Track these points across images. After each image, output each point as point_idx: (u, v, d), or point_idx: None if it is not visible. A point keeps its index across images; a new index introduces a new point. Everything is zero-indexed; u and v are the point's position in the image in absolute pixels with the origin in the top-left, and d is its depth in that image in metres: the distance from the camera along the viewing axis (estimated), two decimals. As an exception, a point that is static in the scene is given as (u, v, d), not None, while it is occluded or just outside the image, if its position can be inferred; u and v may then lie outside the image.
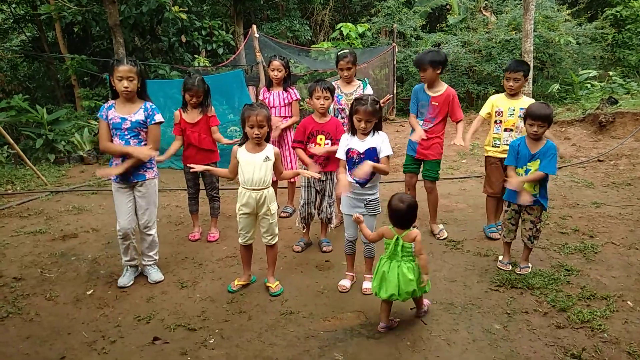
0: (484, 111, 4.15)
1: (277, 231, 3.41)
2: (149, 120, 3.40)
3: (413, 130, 4.14)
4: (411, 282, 2.73)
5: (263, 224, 3.33)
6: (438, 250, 4.02)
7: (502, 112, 4.01)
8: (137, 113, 3.36)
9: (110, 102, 3.39)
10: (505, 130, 4.01)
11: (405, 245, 2.75)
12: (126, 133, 3.34)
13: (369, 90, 4.40)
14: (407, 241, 2.75)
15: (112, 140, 3.36)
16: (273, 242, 3.40)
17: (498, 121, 4.05)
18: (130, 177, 3.41)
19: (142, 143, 3.41)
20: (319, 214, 4.12)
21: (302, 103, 9.68)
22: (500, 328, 2.88)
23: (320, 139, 3.91)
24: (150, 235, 3.60)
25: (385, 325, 2.87)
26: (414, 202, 2.78)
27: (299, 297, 3.32)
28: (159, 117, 3.44)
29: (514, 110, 3.95)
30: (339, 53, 4.39)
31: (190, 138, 4.17)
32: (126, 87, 3.26)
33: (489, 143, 4.14)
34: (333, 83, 4.40)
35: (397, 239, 2.75)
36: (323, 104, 3.87)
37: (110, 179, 3.52)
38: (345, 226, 3.46)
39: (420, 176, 4.35)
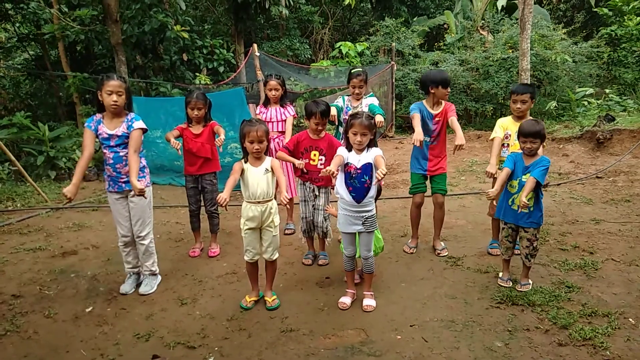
0: (499, 134, 4.03)
1: (278, 245, 3.43)
2: (129, 129, 3.48)
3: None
4: (380, 240, 3.67)
5: (266, 237, 3.35)
6: (438, 267, 4.01)
7: (509, 135, 4.01)
8: (121, 127, 3.48)
9: (99, 116, 3.51)
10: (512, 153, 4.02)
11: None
12: (114, 146, 3.49)
13: (373, 99, 4.45)
14: None
15: (93, 151, 3.49)
16: (274, 257, 3.43)
17: (506, 144, 4.05)
18: (123, 185, 3.53)
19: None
20: (315, 230, 4.15)
21: (301, 120, 9.73)
22: (502, 346, 2.86)
23: (315, 155, 3.97)
24: (143, 244, 3.66)
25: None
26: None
27: (299, 315, 3.30)
28: (138, 124, 3.49)
29: None
30: (352, 70, 4.45)
31: (192, 147, 4.21)
32: (115, 102, 3.38)
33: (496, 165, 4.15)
34: (346, 97, 4.51)
35: None
36: (320, 129, 3.95)
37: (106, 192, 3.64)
38: (343, 244, 3.46)
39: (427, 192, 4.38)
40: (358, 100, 4.48)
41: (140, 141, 3.54)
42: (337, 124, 4.55)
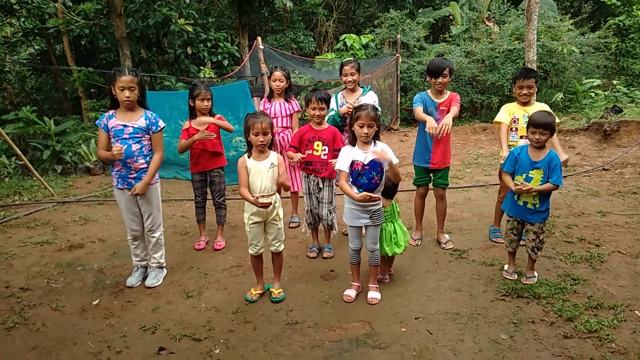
0: (505, 119, 4.05)
1: (283, 237, 3.44)
2: (153, 128, 3.51)
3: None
4: (406, 233, 3.60)
5: (271, 230, 3.36)
6: (443, 260, 4.01)
7: (517, 119, 4.02)
8: (138, 120, 3.47)
9: (111, 111, 3.49)
10: (521, 137, 4.00)
11: (396, 208, 3.56)
12: (128, 138, 3.44)
13: (371, 94, 4.36)
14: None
15: (110, 149, 3.45)
16: (280, 249, 3.44)
17: (514, 128, 4.06)
18: (132, 181, 3.50)
19: (144, 147, 3.50)
20: (320, 222, 4.15)
21: (305, 114, 9.72)
22: (507, 338, 2.86)
23: (317, 145, 3.96)
24: (154, 237, 3.70)
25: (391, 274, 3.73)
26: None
27: (304, 307, 3.32)
28: (161, 124, 3.57)
29: (528, 117, 3.94)
30: (343, 61, 4.47)
31: (199, 142, 4.20)
32: (128, 97, 3.37)
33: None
34: (339, 93, 4.44)
35: (393, 204, 3.53)
36: (319, 114, 3.94)
37: (113, 187, 3.64)
38: (350, 237, 3.45)
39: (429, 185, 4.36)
40: (353, 92, 4.39)
41: (163, 141, 3.61)
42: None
